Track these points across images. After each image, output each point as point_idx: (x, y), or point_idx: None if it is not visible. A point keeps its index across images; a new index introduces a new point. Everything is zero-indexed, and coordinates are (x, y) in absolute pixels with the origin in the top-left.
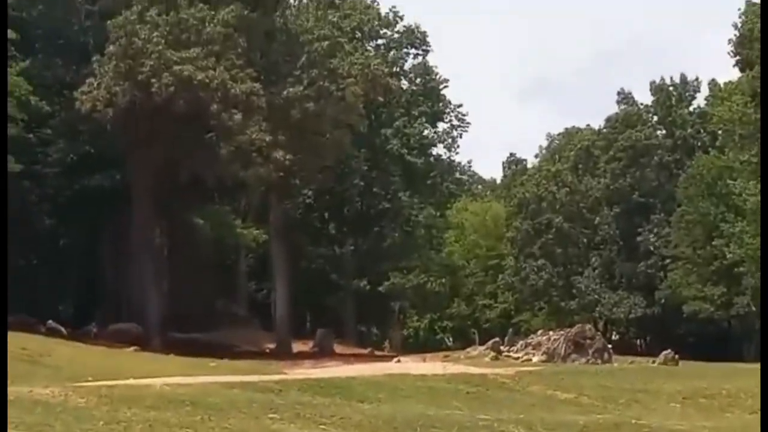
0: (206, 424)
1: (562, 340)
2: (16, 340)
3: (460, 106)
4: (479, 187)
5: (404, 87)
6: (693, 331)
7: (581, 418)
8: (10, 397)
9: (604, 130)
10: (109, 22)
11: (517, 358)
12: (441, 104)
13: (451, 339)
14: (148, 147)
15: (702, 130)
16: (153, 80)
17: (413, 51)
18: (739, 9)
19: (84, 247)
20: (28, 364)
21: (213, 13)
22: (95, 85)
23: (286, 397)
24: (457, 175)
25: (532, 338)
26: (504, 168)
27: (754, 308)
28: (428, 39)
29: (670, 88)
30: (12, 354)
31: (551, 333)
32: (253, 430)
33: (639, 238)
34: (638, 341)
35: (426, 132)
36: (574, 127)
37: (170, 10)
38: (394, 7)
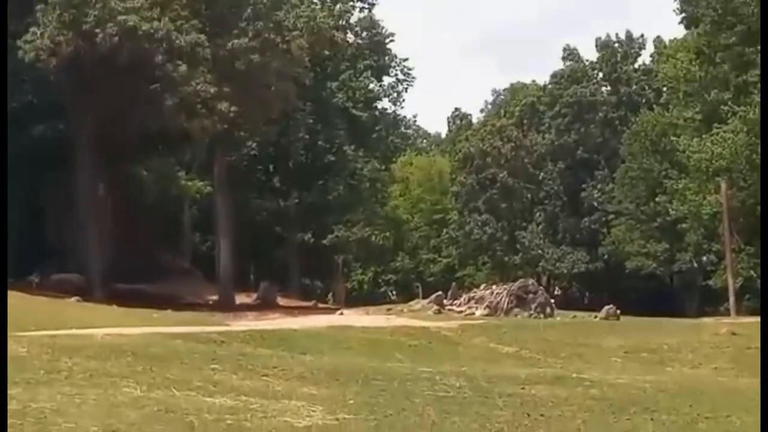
0: (148, 374)
1: (504, 294)
2: None
3: (406, 60)
4: (424, 141)
5: (350, 40)
6: (635, 287)
7: (523, 371)
8: None
9: (550, 86)
10: None
11: (460, 312)
12: (387, 58)
13: (394, 292)
14: (92, 97)
15: (647, 87)
16: (97, 30)
17: (359, 4)
18: None
19: (27, 197)
20: None
21: None
22: (39, 34)
23: (229, 348)
24: (403, 129)
25: (475, 292)
26: (449, 123)
27: (695, 264)
28: None
29: (616, 45)
30: None
31: (494, 287)
32: (195, 380)
33: (583, 194)
34: (581, 296)
35: (371, 86)
36: (519, 82)
37: None
38: None
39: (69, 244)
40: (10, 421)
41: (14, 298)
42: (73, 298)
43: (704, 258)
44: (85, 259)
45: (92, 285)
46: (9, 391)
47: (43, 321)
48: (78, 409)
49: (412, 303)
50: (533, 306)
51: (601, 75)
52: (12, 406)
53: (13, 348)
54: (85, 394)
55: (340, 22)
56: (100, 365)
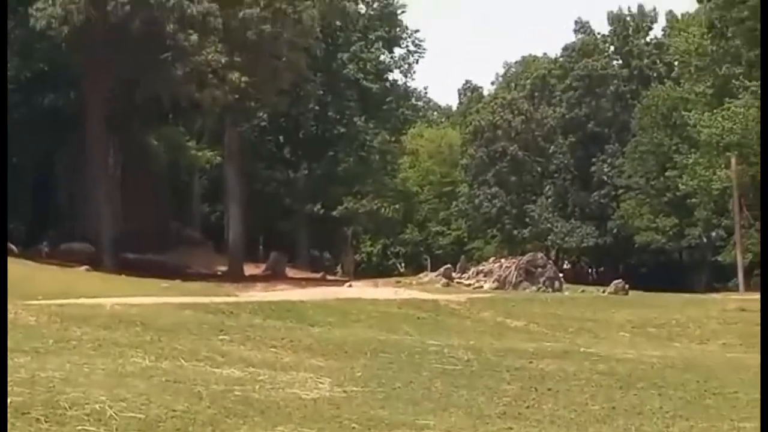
0: (156, 344)
1: (513, 267)
2: None
3: (417, 31)
4: (435, 113)
5: (361, 11)
6: (644, 262)
7: (530, 345)
8: None
9: (561, 59)
10: None
11: (469, 285)
12: (398, 29)
13: (403, 265)
14: (103, 66)
15: (658, 61)
16: None
17: None
18: None
19: (37, 165)
20: None
21: None
22: (50, 2)
23: (237, 319)
24: (413, 101)
25: (484, 265)
26: (460, 95)
27: (704, 240)
28: None
29: (628, 18)
30: None
31: (503, 260)
32: (203, 351)
33: (593, 168)
34: (590, 270)
35: (382, 57)
36: (531, 55)
37: None
38: None
39: (79, 213)
40: (17, 389)
41: (23, 266)
42: (83, 268)
43: (713, 233)
44: (94, 228)
45: (101, 254)
46: (18, 360)
47: (52, 290)
48: (86, 379)
49: (420, 276)
50: (542, 280)
51: (612, 48)
52: (20, 374)
53: (22, 316)
54: (93, 364)
55: None
56: (109, 335)
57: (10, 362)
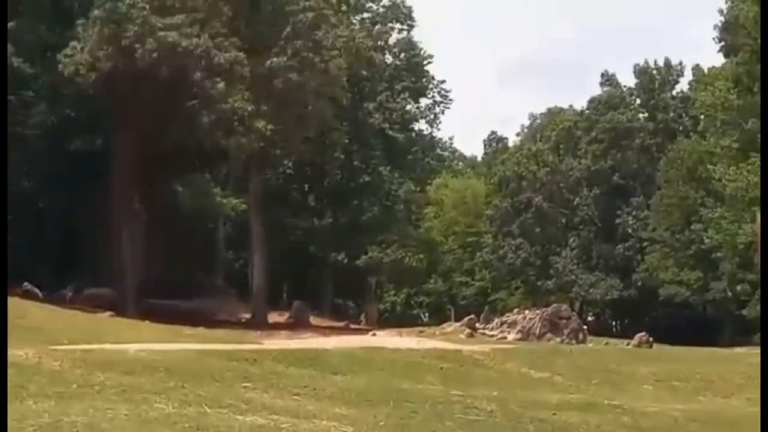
0: (180, 390)
1: (537, 319)
2: None
3: (443, 82)
4: (460, 163)
5: (388, 61)
6: (668, 315)
7: (554, 397)
8: None
9: (587, 112)
10: None
11: (492, 336)
12: (424, 80)
13: (427, 315)
14: (130, 112)
15: (684, 115)
16: (137, 46)
17: (398, 26)
18: None
19: (63, 210)
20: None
21: None
22: (79, 48)
23: (261, 367)
24: (438, 151)
25: (508, 316)
26: (485, 146)
27: (729, 293)
28: (413, 14)
29: (654, 72)
30: None
31: (527, 312)
32: (227, 398)
33: (618, 220)
34: (613, 323)
35: (408, 107)
36: (556, 107)
37: None
38: None
39: (103, 259)
40: None
41: (48, 311)
42: (107, 313)
43: (738, 287)
44: (119, 273)
45: (125, 300)
46: (41, 404)
47: (76, 335)
48: (110, 424)
49: (444, 325)
50: (566, 332)
51: (638, 101)
52: (44, 419)
53: (46, 361)
54: (117, 409)
55: (379, 42)
56: (133, 381)
57: (33, 406)
